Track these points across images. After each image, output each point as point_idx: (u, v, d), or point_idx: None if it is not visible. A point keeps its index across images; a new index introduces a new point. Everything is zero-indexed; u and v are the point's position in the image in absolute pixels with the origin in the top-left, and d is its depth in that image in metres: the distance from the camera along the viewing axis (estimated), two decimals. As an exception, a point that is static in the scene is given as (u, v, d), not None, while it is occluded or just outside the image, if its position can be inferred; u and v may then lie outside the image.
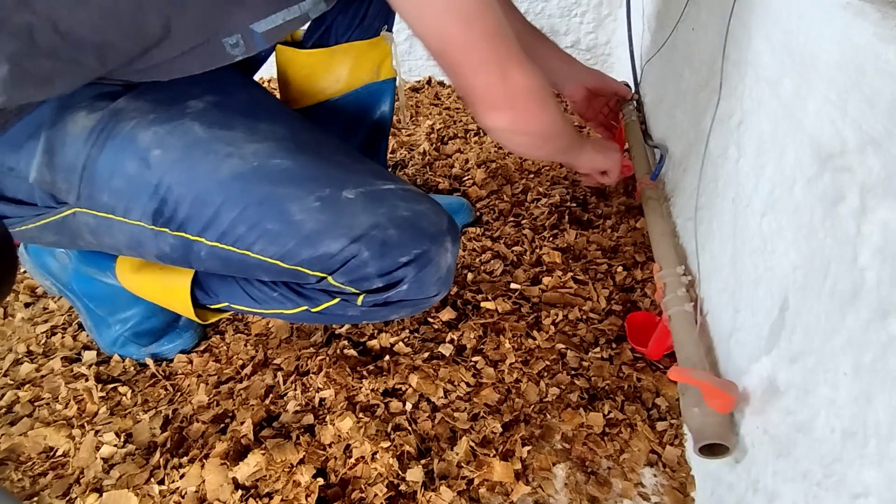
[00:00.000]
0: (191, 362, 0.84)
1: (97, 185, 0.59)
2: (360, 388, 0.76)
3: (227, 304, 0.73)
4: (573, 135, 0.82)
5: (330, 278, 0.61)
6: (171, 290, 0.73)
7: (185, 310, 0.74)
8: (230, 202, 0.58)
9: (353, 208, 0.59)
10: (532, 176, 1.20)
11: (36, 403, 0.78)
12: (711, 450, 0.54)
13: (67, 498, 0.67)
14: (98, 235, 0.65)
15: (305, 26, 0.82)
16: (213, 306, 0.75)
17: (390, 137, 1.21)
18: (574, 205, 1.10)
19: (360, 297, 0.63)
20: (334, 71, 0.84)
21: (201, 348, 0.86)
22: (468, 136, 1.39)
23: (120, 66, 0.57)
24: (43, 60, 0.52)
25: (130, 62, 0.56)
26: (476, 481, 0.66)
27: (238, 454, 0.69)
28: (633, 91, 1.10)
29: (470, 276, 0.94)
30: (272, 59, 0.86)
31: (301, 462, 0.67)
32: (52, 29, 0.51)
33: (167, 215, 0.59)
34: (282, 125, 0.65)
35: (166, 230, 0.60)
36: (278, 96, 0.89)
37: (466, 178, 1.21)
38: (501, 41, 0.59)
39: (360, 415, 0.72)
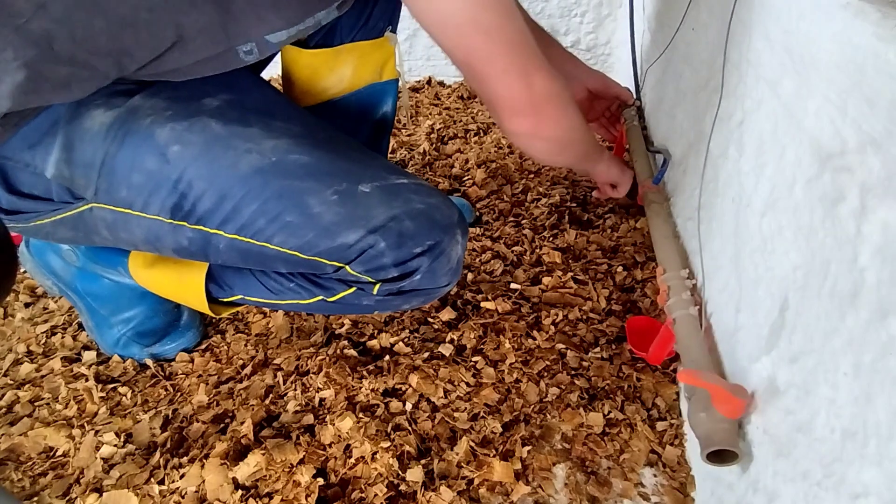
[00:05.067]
0: (192, 362, 0.84)
1: (116, 181, 0.60)
2: (360, 388, 0.76)
3: (241, 296, 0.74)
4: (592, 143, 0.84)
5: (348, 268, 0.62)
6: (185, 285, 0.74)
7: (199, 304, 0.74)
8: (250, 196, 0.59)
9: (370, 201, 0.61)
10: (532, 176, 1.20)
11: (36, 403, 0.78)
12: (719, 456, 0.53)
13: (67, 498, 0.67)
14: (114, 230, 0.65)
15: None
16: (225, 300, 0.75)
17: (390, 137, 1.21)
18: (574, 205, 1.10)
19: (377, 287, 0.64)
20: (338, 71, 0.84)
21: (202, 348, 0.86)
22: (468, 136, 1.39)
23: (134, 71, 0.58)
24: (60, 67, 0.53)
25: (144, 67, 0.58)
26: (476, 481, 0.66)
27: (238, 454, 0.69)
28: (634, 96, 1.10)
29: (470, 276, 0.94)
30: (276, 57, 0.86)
31: (301, 462, 0.67)
32: (70, 37, 0.52)
33: (186, 209, 0.60)
34: (296, 123, 0.66)
35: (185, 224, 0.61)
36: (281, 94, 0.90)
37: (466, 178, 1.21)
38: (523, 49, 0.61)
39: (360, 415, 0.72)
